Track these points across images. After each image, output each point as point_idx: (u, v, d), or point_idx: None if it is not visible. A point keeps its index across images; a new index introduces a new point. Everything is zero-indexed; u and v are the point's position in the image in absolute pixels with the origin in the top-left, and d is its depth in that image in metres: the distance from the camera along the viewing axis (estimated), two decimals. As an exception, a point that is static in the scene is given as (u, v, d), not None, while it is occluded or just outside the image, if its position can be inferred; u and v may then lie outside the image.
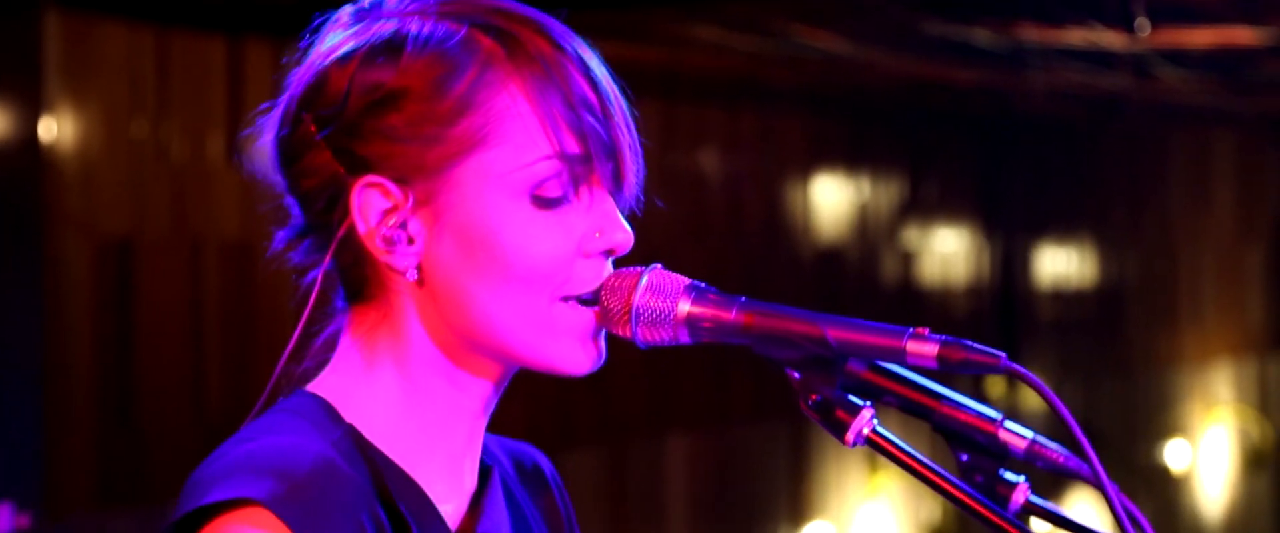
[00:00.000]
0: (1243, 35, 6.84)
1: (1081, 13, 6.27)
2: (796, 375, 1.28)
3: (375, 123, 1.29)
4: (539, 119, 1.29)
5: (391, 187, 1.30)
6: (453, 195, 1.29)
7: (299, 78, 1.34)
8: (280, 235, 1.36)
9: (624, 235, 1.32)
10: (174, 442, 5.12)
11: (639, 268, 1.32)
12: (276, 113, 1.35)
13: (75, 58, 4.90)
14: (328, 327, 1.37)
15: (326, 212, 1.31)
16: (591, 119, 1.30)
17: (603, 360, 1.34)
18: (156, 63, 5.13)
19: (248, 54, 5.36)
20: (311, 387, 1.34)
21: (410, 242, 1.30)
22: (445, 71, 1.29)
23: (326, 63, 1.32)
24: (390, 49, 1.30)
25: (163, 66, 5.15)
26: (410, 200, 1.29)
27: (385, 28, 1.31)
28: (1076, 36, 6.59)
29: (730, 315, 1.29)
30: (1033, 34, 6.65)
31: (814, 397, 1.27)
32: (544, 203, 1.30)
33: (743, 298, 1.30)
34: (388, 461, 1.30)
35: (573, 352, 1.32)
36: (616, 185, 1.33)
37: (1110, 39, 6.52)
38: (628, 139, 1.33)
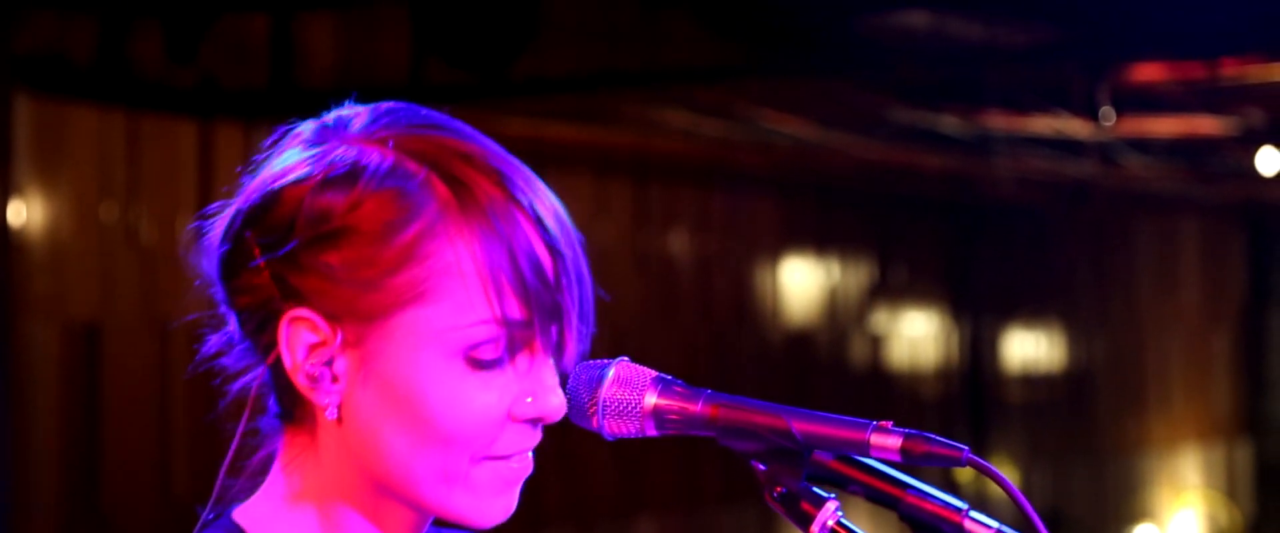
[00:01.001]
0: (1206, 124, 6.92)
1: (1048, 101, 6.34)
2: (762, 467, 1.29)
3: (315, 257, 1.25)
4: (482, 281, 1.23)
5: (321, 323, 1.25)
6: (383, 344, 1.25)
7: (250, 192, 1.30)
8: (213, 340, 1.33)
9: (557, 405, 1.28)
10: (140, 529, 5.07)
11: (605, 360, 1.32)
12: (223, 222, 1.31)
13: (45, 141, 4.91)
14: (263, 444, 1.34)
15: (257, 333, 1.29)
16: (538, 284, 1.24)
17: (512, 511, 1.31)
18: (127, 146, 5.14)
19: (218, 138, 5.37)
20: (237, 512, 1.33)
21: (334, 380, 1.26)
22: (395, 217, 1.24)
23: (278, 185, 1.27)
24: (345, 182, 1.25)
25: (133, 150, 5.16)
26: (339, 339, 1.25)
27: (344, 156, 1.26)
28: (1043, 124, 6.66)
29: (696, 408, 1.30)
30: (1000, 121, 6.72)
31: (779, 489, 1.28)
32: (478, 365, 1.25)
33: (708, 390, 1.30)
34: None
35: (487, 508, 1.29)
36: (558, 351, 1.28)
37: (1076, 127, 6.59)
38: (575, 303, 1.27)
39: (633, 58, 6.52)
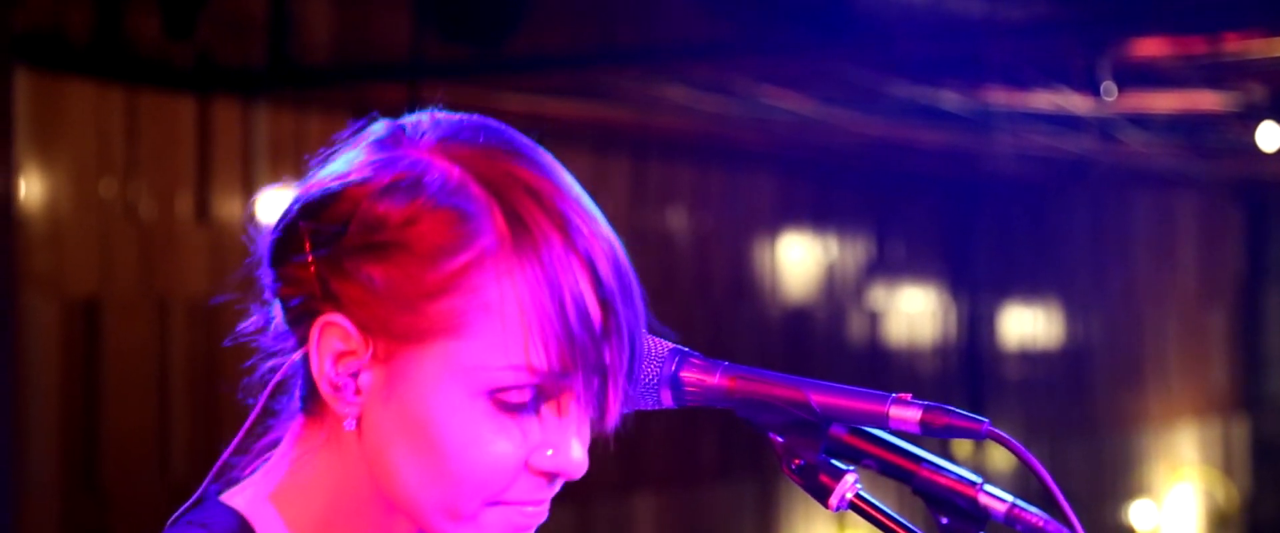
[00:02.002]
0: (1206, 100, 6.91)
1: (1048, 77, 6.33)
2: (780, 440, 1.28)
3: (360, 266, 1.22)
4: (523, 325, 1.19)
5: (354, 333, 1.22)
6: (411, 368, 1.22)
7: (312, 185, 1.27)
8: (259, 316, 1.31)
9: (578, 462, 1.24)
10: (139, 504, 5.08)
11: (624, 333, 1.31)
12: (284, 210, 1.28)
13: (44, 117, 4.89)
14: (274, 428, 1.32)
15: (294, 324, 1.27)
16: (584, 336, 1.20)
17: None
18: (125, 122, 5.13)
19: (216, 114, 5.35)
20: (227, 496, 1.30)
21: (357, 393, 1.24)
22: (446, 242, 1.20)
23: (339, 185, 1.24)
24: (405, 193, 1.21)
25: (131, 126, 5.14)
26: (369, 352, 1.22)
27: (411, 166, 1.23)
28: (1043, 100, 6.65)
29: (714, 380, 1.29)
30: (1000, 97, 6.71)
31: (797, 461, 1.27)
32: (501, 409, 1.21)
33: (726, 363, 1.29)
34: None
35: None
36: (598, 407, 1.24)
37: (1076, 103, 6.58)
38: (623, 360, 1.23)
39: (631, 33, 6.51)
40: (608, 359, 1.22)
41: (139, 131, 5.17)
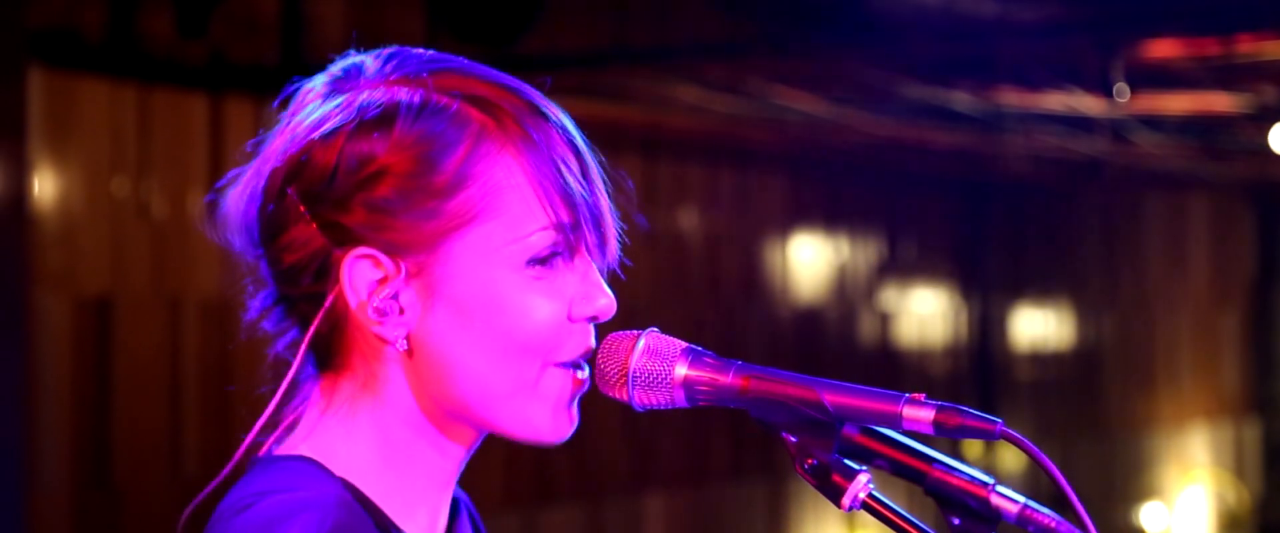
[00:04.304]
0: (1219, 102, 6.90)
1: (1060, 78, 6.32)
2: (793, 439, 1.28)
3: (367, 196, 1.29)
4: (535, 190, 1.30)
5: (383, 258, 1.30)
6: (449, 267, 1.30)
7: (278, 151, 1.32)
8: (255, 303, 1.37)
9: (608, 301, 1.33)
10: (150, 503, 5.08)
11: (635, 332, 1.32)
12: (255, 186, 1.34)
13: (58, 115, 4.90)
14: (296, 394, 1.36)
15: (314, 283, 1.31)
16: (579, 186, 1.31)
17: (575, 428, 1.36)
18: (138, 121, 5.13)
19: (229, 112, 5.36)
20: (287, 449, 1.34)
21: (401, 312, 1.30)
22: (439, 146, 1.29)
23: (313, 137, 1.31)
24: (381, 123, 1.30)
25: (144, 124, 5.15)
26: (402, 271, 1.30)
27: (373, 100, 1.30)
28: (1055, 101, 6.64)
29: (727, 379, 1.30)
30: (1012, 98, 6.70)
31: (810, 461, 1.27)
32: (540, 273, 1.31)
33: (739, 362, 1.30)
34: (378, 510, 1.32)
35: (554, 419, 1.33)
36: (601, 250, 1.34)
37: (1089, 104, 6.57)
38: (608, 203, 1.35)
39: (643, 33, 6.51)
40: (599, 203, 1.33)
41: (152, 130, 5.17)
